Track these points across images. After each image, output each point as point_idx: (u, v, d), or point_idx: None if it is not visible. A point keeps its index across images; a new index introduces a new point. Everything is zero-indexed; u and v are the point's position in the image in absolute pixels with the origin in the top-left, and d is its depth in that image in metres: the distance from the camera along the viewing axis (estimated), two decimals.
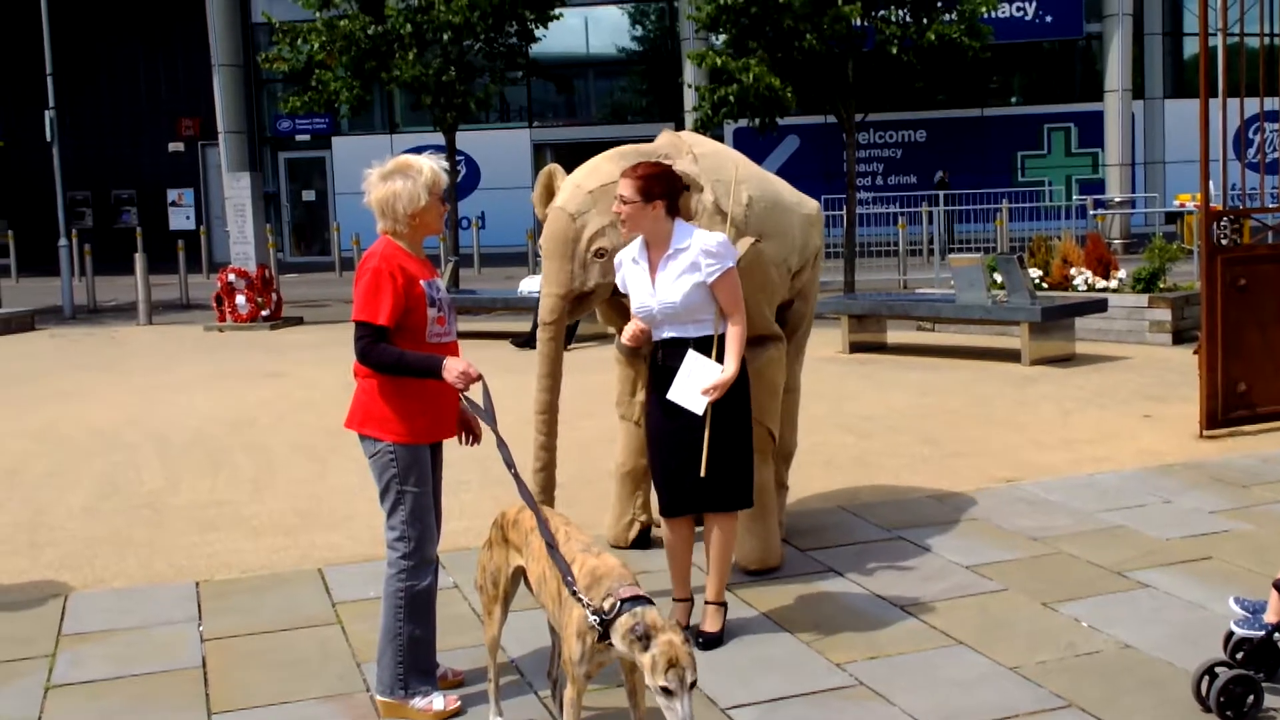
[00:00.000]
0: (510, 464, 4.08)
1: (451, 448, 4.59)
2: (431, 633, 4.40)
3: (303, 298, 19.99)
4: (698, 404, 4.57)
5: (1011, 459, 7.73)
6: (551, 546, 3.76)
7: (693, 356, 4.61)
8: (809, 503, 6.84)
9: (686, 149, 5.49)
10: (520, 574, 4.09)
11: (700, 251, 4.58)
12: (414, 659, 4.33)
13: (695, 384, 4.57)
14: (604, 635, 3.48)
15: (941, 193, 23.13)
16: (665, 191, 4.60)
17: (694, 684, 3.34)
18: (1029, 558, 5.79)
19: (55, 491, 7.72)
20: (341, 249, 25.62)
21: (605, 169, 5.38)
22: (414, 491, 4.29)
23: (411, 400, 4.26)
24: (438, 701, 4.30)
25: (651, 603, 3.51)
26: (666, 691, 3.30)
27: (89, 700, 4.56)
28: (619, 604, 3.47)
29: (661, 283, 4.64)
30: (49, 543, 6.60)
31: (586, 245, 5.26)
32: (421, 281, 4.29)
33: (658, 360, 4.76)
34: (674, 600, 4.95)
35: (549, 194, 5.52)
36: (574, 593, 3.58)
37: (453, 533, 5.83)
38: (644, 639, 3.37)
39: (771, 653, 4.76)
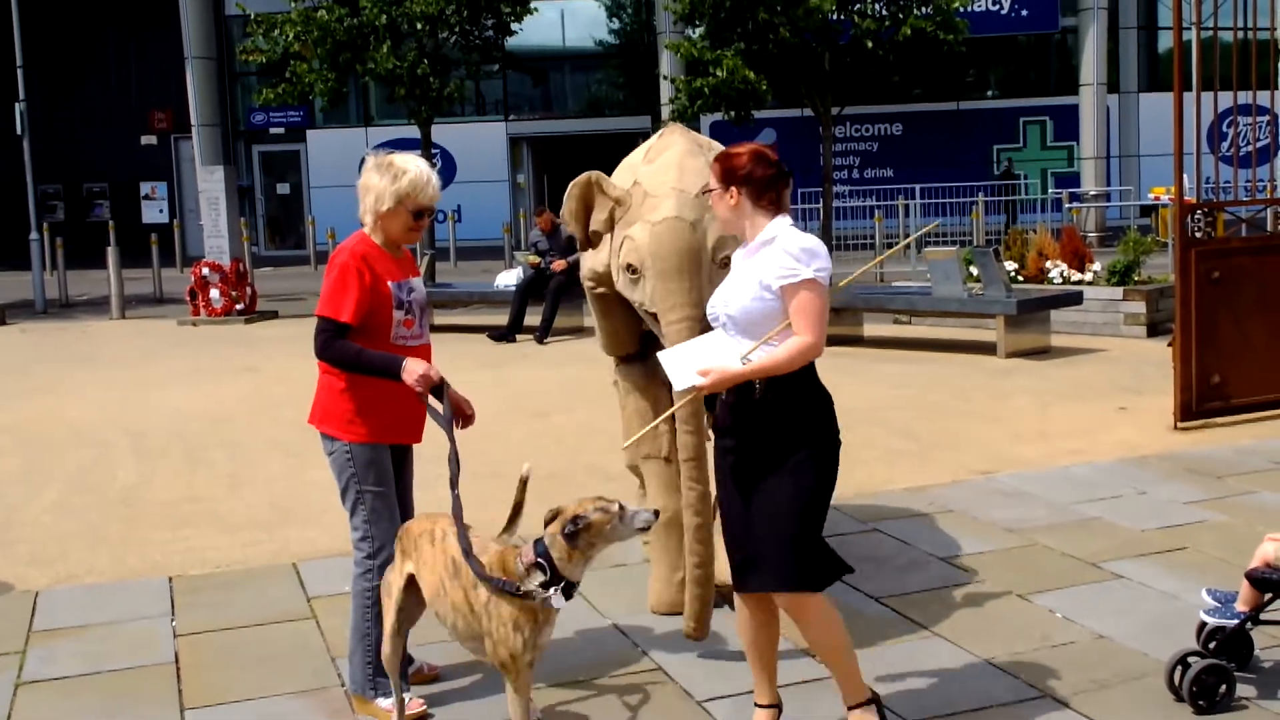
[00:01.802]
0: (455, 483, 3.94)
1: (435, 444, 4.55)
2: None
3: (277, 291, 19.88)
4: (682, 379, 3.77)
5: (988, 451, 7.76)
6: (467, 554, 3.73)
7: (721, 335, 3.81)
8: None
9: (707, 145, 5.05)
10: (411, 581, 3.99)
11: (781, 251, 3.71)
12: (375, 656, 4.29)
13: (700, 358, 3.75)
14: (554, 581, 3.60)
15: (1007, 182, 23.06)
16: (744, 177, 3.81)
17: (623, 505, 3.70)
18: (1005, 549, 5.81)
19: (27, 487, 7.65)
20: (316, 242, 25.51)
21: (694, 166, 4.73)
22: (374, 491, 4.23)
23: (372, 400, 4.18)
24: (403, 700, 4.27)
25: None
26: (621, 508, 3.68)
27: (61, 697, 4.51)
28: (534, 558, 3.64)
29: (728, 286, 3.85)
30: (20, 539, 6.54)
31: (713, 255, 4.56)
32: (390, 282, 4.19)
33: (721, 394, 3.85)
34: (755, 707, 4.02)
35: (588, 207, 4.79)
36: (499, 585, 3.64)
37: None
38: (575, 525, 3.63)
39: None
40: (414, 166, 4.21)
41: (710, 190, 3.91)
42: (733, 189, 3.82)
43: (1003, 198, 23.41)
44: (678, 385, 3.81)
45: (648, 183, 4.73)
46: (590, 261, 5.05)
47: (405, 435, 4.33)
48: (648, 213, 4.61)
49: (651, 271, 4.55)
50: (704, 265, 4.55)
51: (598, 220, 4.78)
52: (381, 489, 4.25)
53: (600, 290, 5.07)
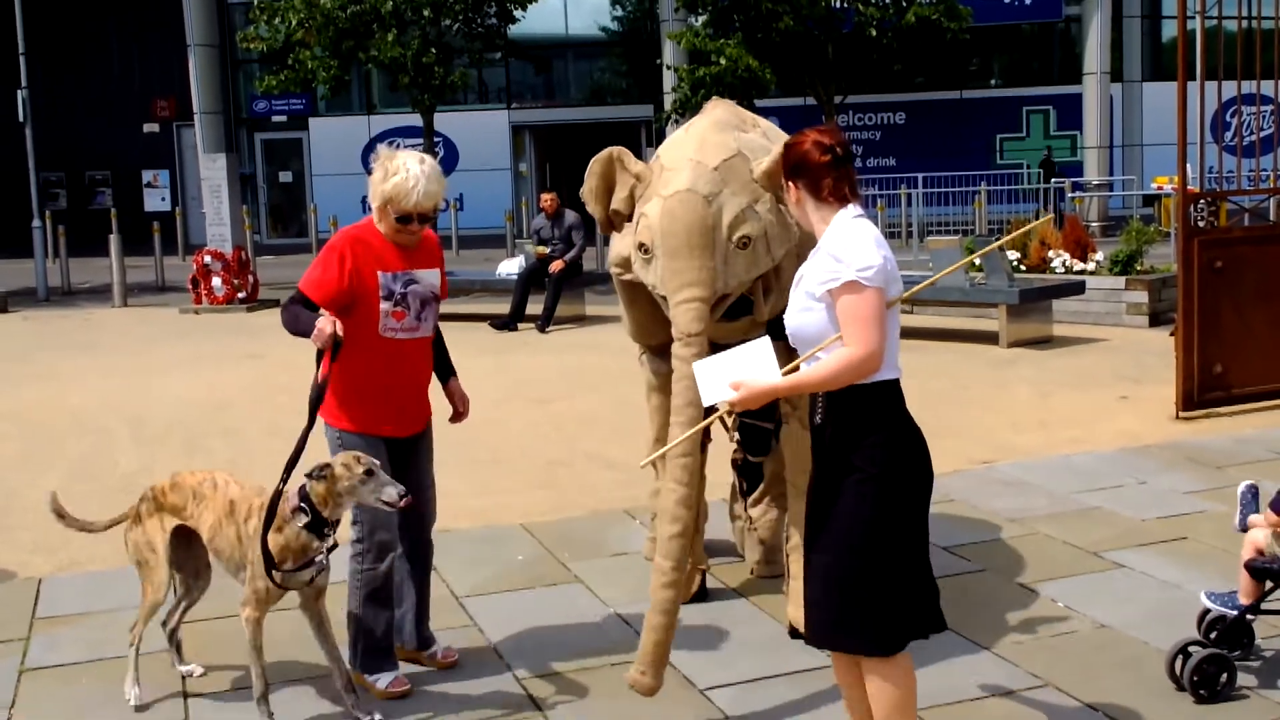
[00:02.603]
0: (299, 450, 4.06)
1: (455, 429, 4.55)
2: (392, 615, 4.41)
3: (279, 280, 19.84)
4: (712, 393, 3.38)
5: (989, 440, 7.75)
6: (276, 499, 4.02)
7: (764, 344, 3.37)
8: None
9: (751, 122, 4.78)
10: (181, 533, 4.29)
11: (823, 253, 3.26)
12: (370, 639, 4.36)
13: (736, 370, 3.34)
14: (316, 523, 3.94)
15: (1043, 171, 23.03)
16: (799, 167, 3.36)
17: (375, 472, 3.91)
18: (1006, 538, 5.81)
19: (29, 474, 7.66)
20: (319, 231, 25.46)
21: (716, 139, 4.42)
22: None
23: (362, 390, 4.23)
24: (381, 681, 4.34)
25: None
26: (369, 474, 3.89)
27: (63, 684, 4.53)
28: (298, 503, 3.96)
29: (791, 297, 3.42)
30: (22, 526, 6.55)
31: (729, 233, 4.19)
32: (381, 272, 4.17)
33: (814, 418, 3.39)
34: None
35: (610, 185, 4.49)
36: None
37: None
38: (320, 471, 3.94)
39: (750, 634, 4.76)
40: (405, 171, 4.10)
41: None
42: (792, 184, 3.40)
43: (1005, 187, 23.36)
44: (706, 400, 3.44)
45: (666, 156, 4.45)
46: (616, 246, 4.79)
47: (396, 428, 4.33)
48: (662, 187, 4.30)
49: (661, 249, 4.22)
50: (718, 244, 4.18)
51: (618, 199, 4.46)
52: None
53: (626, 276, 4.74)
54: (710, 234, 4.18)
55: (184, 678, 4.50)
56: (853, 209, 3.33)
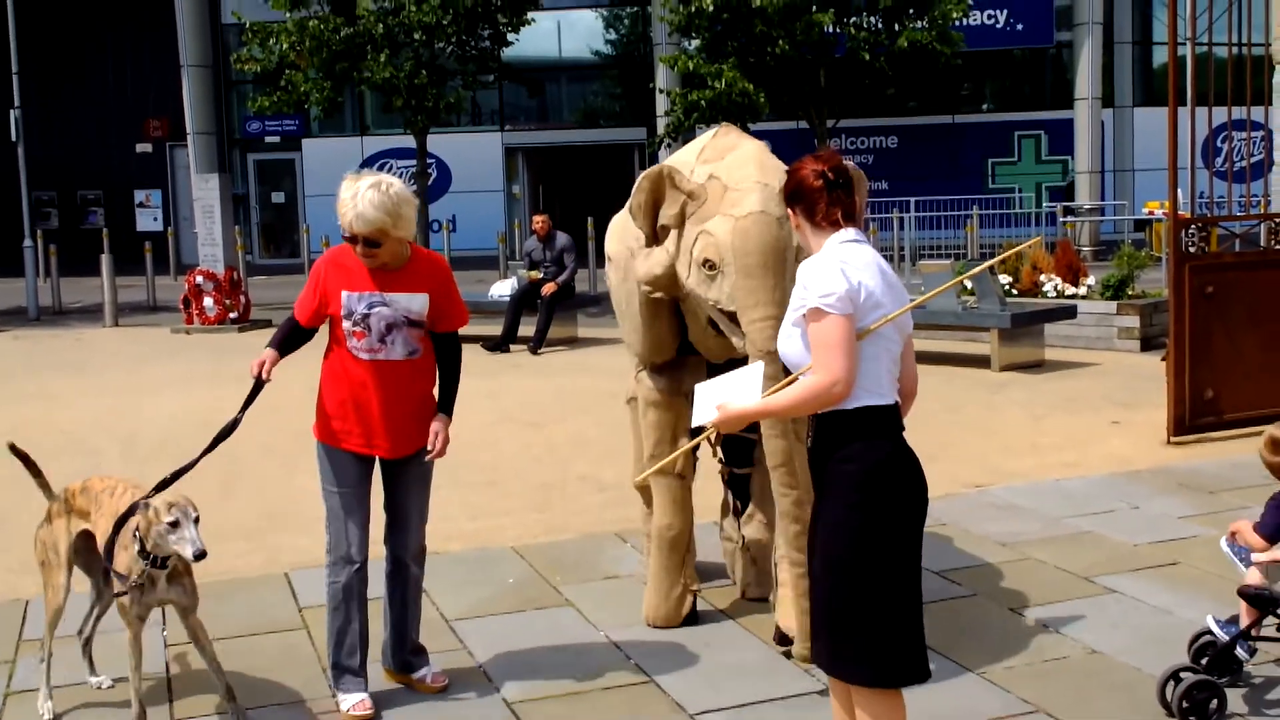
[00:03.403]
0: (186, 468, 4.30)
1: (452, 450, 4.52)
2: (354, 631, 4.39)
3: (271, 300, 19.81)
4: (702, 414, 3.46)
5: (981, 464, 7.75)
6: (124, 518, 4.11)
7: (756, 369, 3.48)
8: None
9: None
10: (85, 537, 4.39)
11: (799, 281, 3.28)
12: (335, 654, 4.40)
13: (726, 393, 3.40)
14: (144, 551, 4.01)
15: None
16: (795, 193, 3.40)
17: (198, 519, 3.97)
18: (998, 563, 5.80)
19: (18, 495, 7.58)
20: (311, 251, 25.45)
21: (773, 163, 4.59)
22: (331, 491, 4.39)
23: (332, 405, 4.34)
24: (344, 702, 4.34)
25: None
26: (174, 525, 3.92)
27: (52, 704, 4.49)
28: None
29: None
30: (9, 547, 6.52)
31: (797, 254, 4.24)
32: (345, 291, 4.24)
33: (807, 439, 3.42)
34: None
35: (658, 201, 4.61)
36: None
37: None
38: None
39: (742, 659, 4.74)
40: (349, 194, 4.15)
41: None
42: (791, 209, 3.43)
43: (997, 211, 23.42)
44: (695, 420, 3.50)
45: (727, 177, 4.54)
46: (646, 265, 4.78)
47: (369, 448, 4.35)
48: (728, 207, 4.42)
49: (734, 267, 4.36)
50: (788, 264, 4.30)
51: (667, 215, 4.58)
52: (340, 490, 4.36)
53: (656, 295, 4.82)
54: (784, 255, 4.35)
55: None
56: (845, 233, 3.32)
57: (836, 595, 3.23)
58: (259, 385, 4.25)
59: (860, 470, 3.21)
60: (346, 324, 4.25)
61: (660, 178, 4.56)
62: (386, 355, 4.28)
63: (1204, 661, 4.19)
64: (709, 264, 4.43)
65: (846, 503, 3.21)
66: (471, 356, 12.81)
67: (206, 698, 4.51)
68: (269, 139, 29.92)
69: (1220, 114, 8.32)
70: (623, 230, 5.13)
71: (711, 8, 20.37)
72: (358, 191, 4.14)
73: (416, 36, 19.80)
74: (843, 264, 3.22)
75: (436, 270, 4.38)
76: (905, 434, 3.38)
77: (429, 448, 4.35)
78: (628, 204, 4.70)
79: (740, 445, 5.26)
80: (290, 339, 4.39)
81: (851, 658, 3.23)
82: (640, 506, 5.50)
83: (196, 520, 3.95)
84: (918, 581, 3.30)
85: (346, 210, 4.13)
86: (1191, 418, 8.20)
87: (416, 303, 4.29)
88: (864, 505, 3.20)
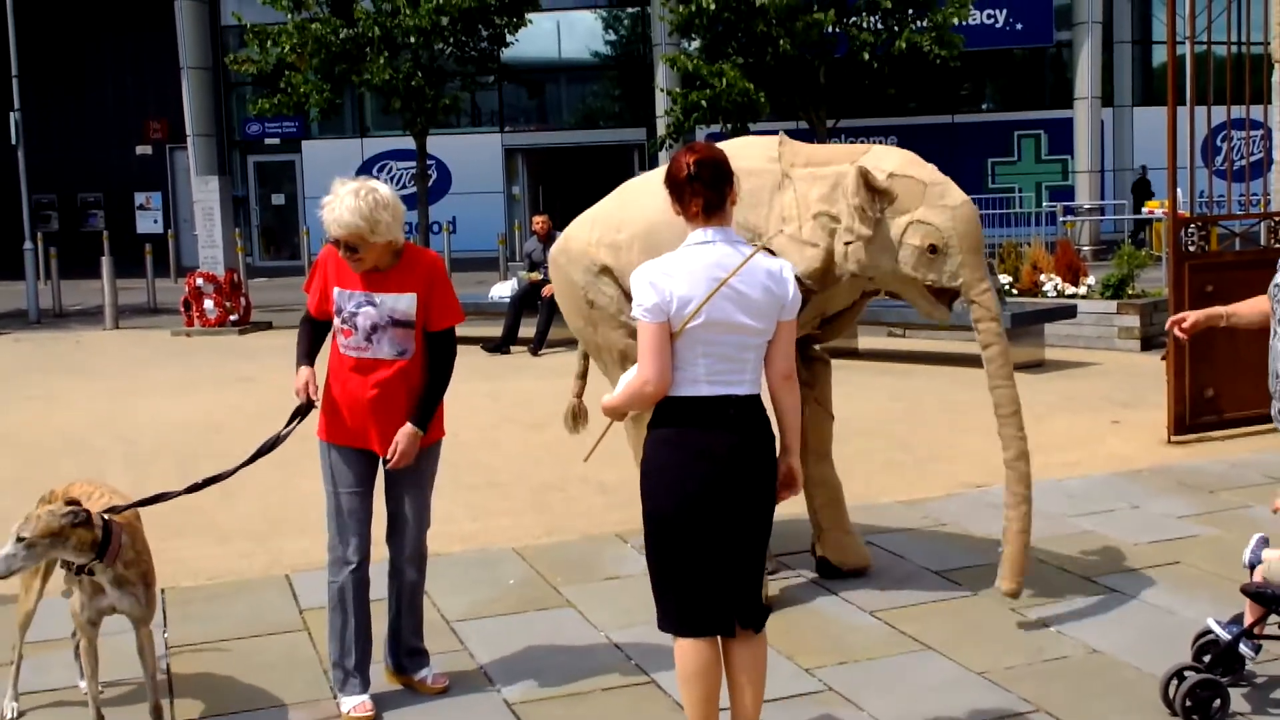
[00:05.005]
0: (221, 477, 4.46)
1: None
2: (351, 632, 4.39)
3: (271, 302, 19.84)
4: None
5: (982, 464, 7.74)
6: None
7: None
8: (779, 508, 6.81)
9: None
10: None
11: None
12: (334, 655, 4.41)
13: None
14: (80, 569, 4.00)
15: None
16: (668, 184, 3.64)
17: (21, 539, 3.86)
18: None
19: (19, 497, 7.60)
20: (311, 253, 25.46)
21: (912, 156, 5.31)
22: (329, 490, 4.42)
23: (329, 401, 4.38)
24: (346, 703, 4.35)
25: None
26: (71, 532, 3.91)
27: (53, 709, 4.51)
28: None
29: None
30: None
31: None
32: (338, 288, 4.31)
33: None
34: None
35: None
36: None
37: None
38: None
39: None
40: (330, 199, 4.21)
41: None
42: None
43: (997, 210, 23.42)
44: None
45: (917, 173, 5.10)
46: (803, 260, 5.04)
47: (358, 440, 4.36)
48: (936, 199, 5.04)
49: (961, 248, 5.04)
50: None
51: (865, 214, 5.07)
52: (336, 489, 4.38)
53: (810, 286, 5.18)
54: None
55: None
56: (699, 234, 3.50)
57: (647, 559, 3.67)
58: (308, 407, 4.31)
59: (649, 452, 3.60)
60: (337, 320, 4.32)
61: (860, 177, 4.96)
62: (374, 354, 4.29)
63: (1207, 660, 4.19)
64: (933, 248, 5.03)
65: (642, 482, 3.61)
66: (472, 358, 12.90)
67: (206, 698, 4.51)
68: (269, 141, 29.94)
69: (1220, 113, 8.32)
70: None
71: (713, 7, 20.39)
72: (337, 197, 4.20)
73: (413, 40, 19.82)
74: (664, 274, 3.45)
75: (427, 268, 4.36)
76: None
77: (387, 456, 4.29)
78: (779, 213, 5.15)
79: None
80: (314, 342, 4.45)
81: (658, 606, 3.64)
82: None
83: (19, 539, 3.87)
84: (728, 549, 3.55)
85: (326, 216, 4.20)
86: (1192, 417, 8.20)
87: (403, 303, 4.27)
88: (644, 484, 3.59)
